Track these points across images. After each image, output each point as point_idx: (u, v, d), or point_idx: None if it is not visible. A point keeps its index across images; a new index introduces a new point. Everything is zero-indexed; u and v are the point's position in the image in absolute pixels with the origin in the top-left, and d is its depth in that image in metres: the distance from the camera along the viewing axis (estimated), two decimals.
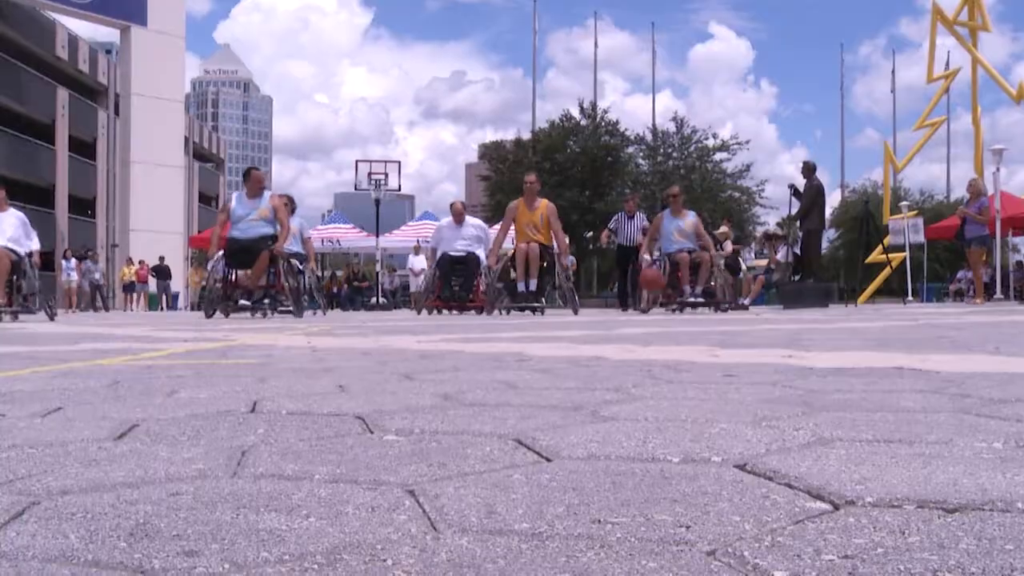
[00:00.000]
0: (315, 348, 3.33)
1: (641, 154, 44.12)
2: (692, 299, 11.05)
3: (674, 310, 11.12)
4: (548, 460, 1.00)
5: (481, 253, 11.71)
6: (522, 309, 11.04)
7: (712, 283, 11.45)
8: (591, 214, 38.02)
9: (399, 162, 25.75)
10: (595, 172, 38.75)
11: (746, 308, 12.90)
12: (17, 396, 1.74)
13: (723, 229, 16.87)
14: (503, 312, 11.06)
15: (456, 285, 11.78)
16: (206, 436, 1.20)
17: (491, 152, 45.08)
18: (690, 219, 11.55)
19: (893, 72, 62.01)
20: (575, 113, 41.39)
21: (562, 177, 38.30)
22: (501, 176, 41.72)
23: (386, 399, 1.61)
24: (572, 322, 7.17)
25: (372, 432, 1.22)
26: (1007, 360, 2.47)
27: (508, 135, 46.52)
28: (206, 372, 2.28)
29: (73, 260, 24.31)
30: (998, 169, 20.96)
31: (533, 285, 10.85)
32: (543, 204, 11.31)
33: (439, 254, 12.22)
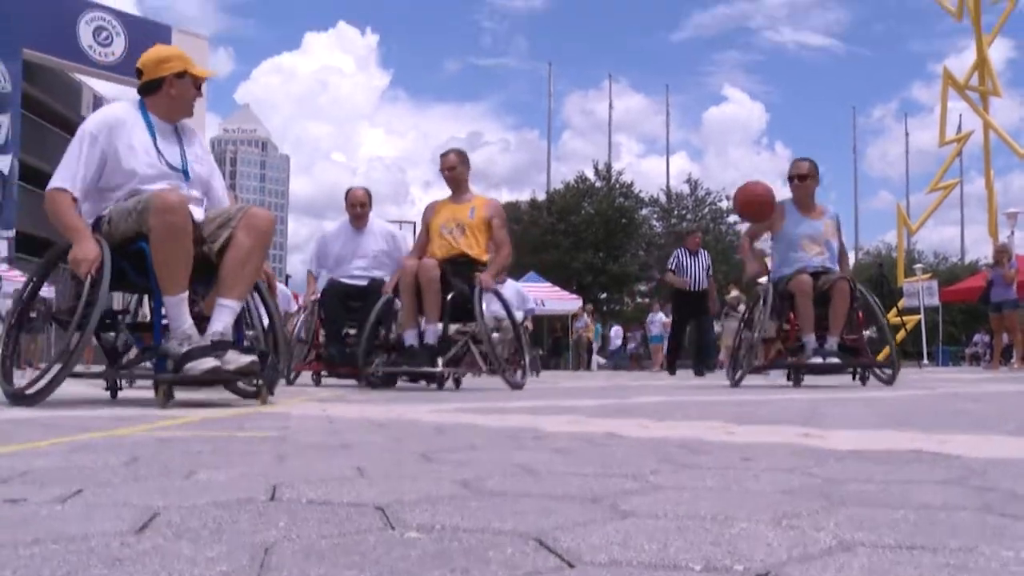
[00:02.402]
0: (331, 419, 3.34)
1: (655, 216, 44.46)
2: (821, 360, 6.55)
3: (789, 378, 7.09)
4: (570, 565, 1.00)
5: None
6: (413, 378, 6.57)
7: (858, 332, 7.17)
8: (604, 275, 38.17)
9: (413, 223, 26.04)
10: (609, 234, 39.03)
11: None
12: (37, 475, 1.76)
13: (734, 294, 16.82)
14: (377, 380, 6.47)
15: (348, 336, 7.24)
16: (228, 530, 1.21)
17: (506, 213, 45.46)
18: (828, 220, 7.22)
19: (906, 135, 62.45)
20: (590, 175, 41.93)
21: (576, 239, 38.59)
22: (516, 237, 42.03)
23: (405, 485, 1.61)
24: (586, 388, 7.13)
25: (393, 527, 1.23)
26: None
27: (523, 196, 47.01)
28: (223, 447, 2.29)
29: None
30: (1012, 232, 20.96)
31: (432, 334, 6.17)
32: (479, 199, 6.81)
33: (322, 281, 7.62)
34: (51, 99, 36.96)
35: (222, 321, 3.83)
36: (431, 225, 6.68)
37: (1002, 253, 16.74)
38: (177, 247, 3.68)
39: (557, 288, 32.73)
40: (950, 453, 2.12)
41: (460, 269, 6.41)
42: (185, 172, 4.06)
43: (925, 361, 19.97)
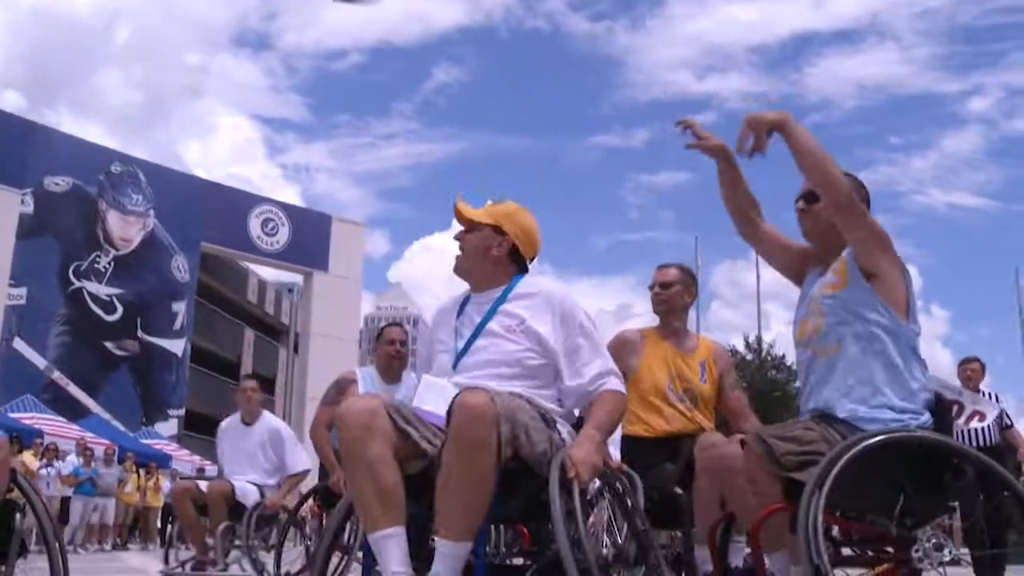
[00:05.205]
0: None
1: None
2: None
3: None
4: None
5: None
6: None
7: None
8: None
9: None
10: (763, 406, 37.49)
11: None
12: None
13: None
14: None
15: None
16: None
17: None
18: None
19: None
20: (740, 347, 40.84)
21: None
22: None
23: None
24: None
25: None
26: None
27: None
28: None
29: None
30: None
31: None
32: (704, 343, 4.21)
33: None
34: (220, 285, 39.55)
35: (436, 568, 2.56)
36: (644, 377, 3.99)
37: None
38: (352, 469, 2.64)
39: None
40: None
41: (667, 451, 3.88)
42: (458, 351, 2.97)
43: None
